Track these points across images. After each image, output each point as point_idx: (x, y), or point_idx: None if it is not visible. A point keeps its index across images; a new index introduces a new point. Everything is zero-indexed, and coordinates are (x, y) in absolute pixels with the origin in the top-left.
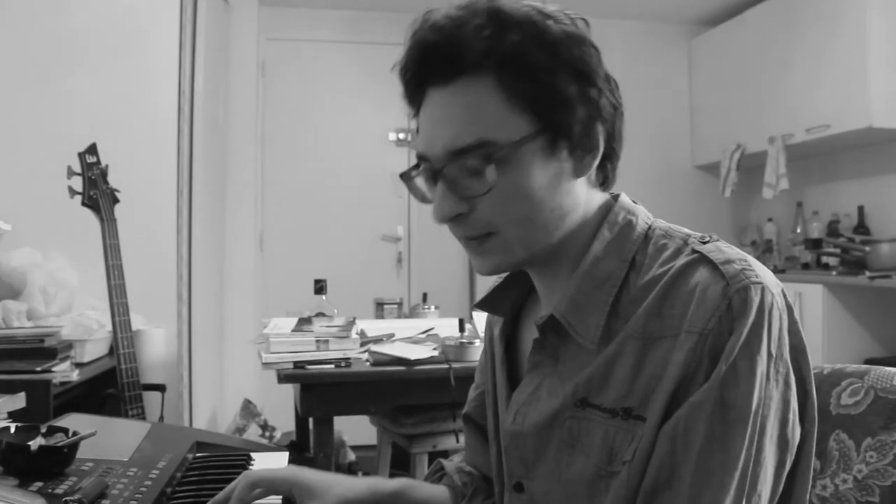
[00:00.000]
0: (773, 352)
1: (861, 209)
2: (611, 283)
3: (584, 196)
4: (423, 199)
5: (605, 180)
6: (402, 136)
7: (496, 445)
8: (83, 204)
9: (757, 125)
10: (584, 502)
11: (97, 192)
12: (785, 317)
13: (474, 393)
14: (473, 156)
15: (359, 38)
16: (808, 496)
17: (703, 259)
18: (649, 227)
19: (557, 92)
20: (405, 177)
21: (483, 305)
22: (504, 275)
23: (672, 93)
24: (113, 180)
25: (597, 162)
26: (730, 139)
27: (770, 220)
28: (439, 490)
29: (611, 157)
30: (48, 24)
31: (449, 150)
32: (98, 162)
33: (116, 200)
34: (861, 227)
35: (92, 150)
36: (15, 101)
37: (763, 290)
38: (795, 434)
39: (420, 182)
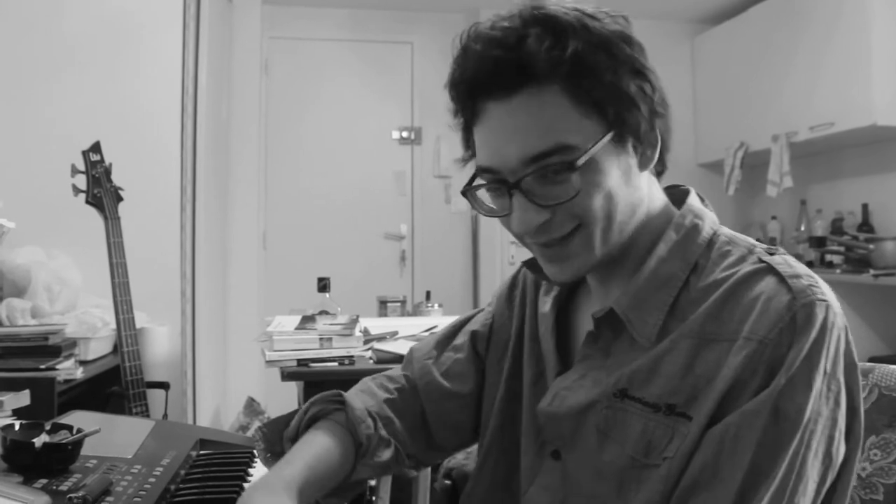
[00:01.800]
0: (829, 369)
1: (865, 207)
2: (672, 283)
3: (646, 190)
4: (490, 212)
5: (662, 170)
6: (405, 134)
7: (506, 402)
8: (87, 202)
9: (760, 123)
10: (613, 486)
11: (101, 190)
12: (843, 337)
13: (485, 320)
14: (553, 161)
15: (362, 36)
16: None
17: (770, 269)
18: (714, 233)
19: (621, 92)
20: (467, 191)
21: (533, 266)
22: None
23: (675, 91)
24: (116, 178)
25: (657, 154)
26: (733, 137)
27: (774, 218)
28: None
29: (667, 148)
30: (51, 23)
31: (526, 158)
32: (102, 160)
33: (120, 198)
34: (865, 225)
35: (96, 148)
36: (19, 99)
37: (828, 308)
38: (840, 452)
39: (483, 195)
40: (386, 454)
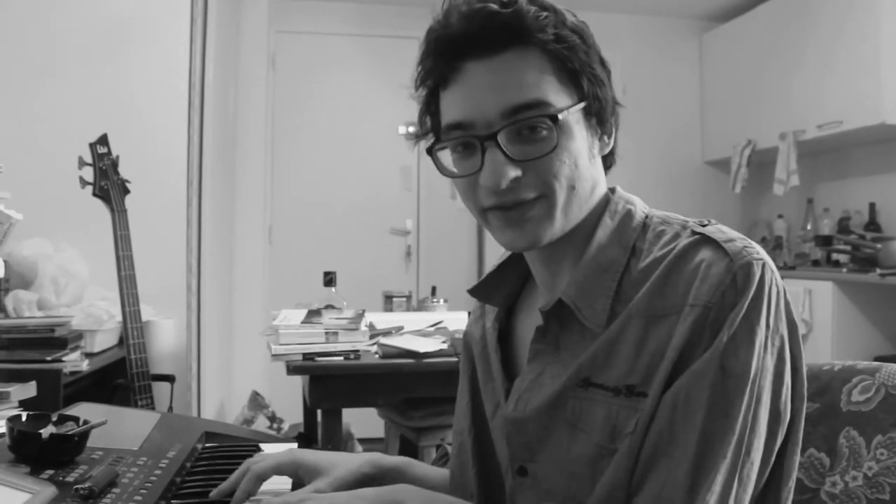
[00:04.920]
0: (771, 323)
1: (872, 206)
2: (614, 268)
3: (600, 176)
4: (450, 173)
5: (611, 165)
6: (411, 129)
7: (473, 434)
8: (94, 194)
9: (768, 121)
10: (586, 482)
11: (108, 182)
12: (782, 294)
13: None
14: (532, 115)
15: (369, 30)
16: (795, 472)
17: (705, 239)
18: (647, 216)
19: (594, 70)
20: (431, 149)
21: (476, 292)
22: (499, 262)
23: (683, 88)
24: (124, 171)
25: (612, 144)
26: (740, 135)
27: (780, 216)
28: (439, 472)
29: (615, 143)
30: (60, 16)
31: (506, 110)
32: (109, 152)
33: (127, 191)
34: (872, 225)
35: (103, 140)
36: (27, 92)
37: (764, 265)
38: (787, 408)
39: (446, 157)
40: None
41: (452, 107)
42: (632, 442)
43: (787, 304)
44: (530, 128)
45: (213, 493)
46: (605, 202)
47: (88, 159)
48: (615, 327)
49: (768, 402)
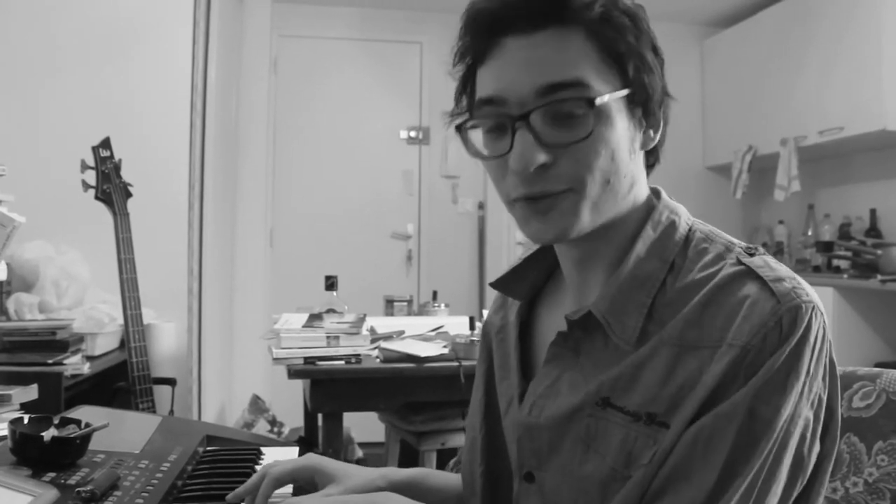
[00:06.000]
0: (811, 370)
1: (873, 212)
2: (650, 284)
3: (640, 174)
4: (477, 153)
5: (654, 163)
6: (413, 133)
7: (484, 431)
8: (96, 198)
9: (769, 127)
10: (595, 500)
11: (110, 186)
12: (827, 335)
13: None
14: (570, 95)
15: (371, 35)
16: None
17: (751, 273)
18: (690, 229)
19: (643, 56)
20: (461, 127)
21: (499, 285)
22: (524, 256)
23: (684, 94)
24: (125, 174)
25: (657, 139)
26: (742, 141)
27: (781, 222)
28: (456, 480)
29: (662, 141)
30: (63, 18)
31: (541, 88)
32: (111, 156)
33: (129, 195)
34: (873, 231)
35: (105, 144)
36: (30, 94)
37: (813, 308)
38: (812, 453)
39: (476, 136)
40: None
41: (487, 82)
42: (646, 473)
43: (829, 345)
44: (566, 113)
45: (230, 495)
46: (648, 209)
47: (91, 163)
48: (644, 351)
49: (793, 448)
